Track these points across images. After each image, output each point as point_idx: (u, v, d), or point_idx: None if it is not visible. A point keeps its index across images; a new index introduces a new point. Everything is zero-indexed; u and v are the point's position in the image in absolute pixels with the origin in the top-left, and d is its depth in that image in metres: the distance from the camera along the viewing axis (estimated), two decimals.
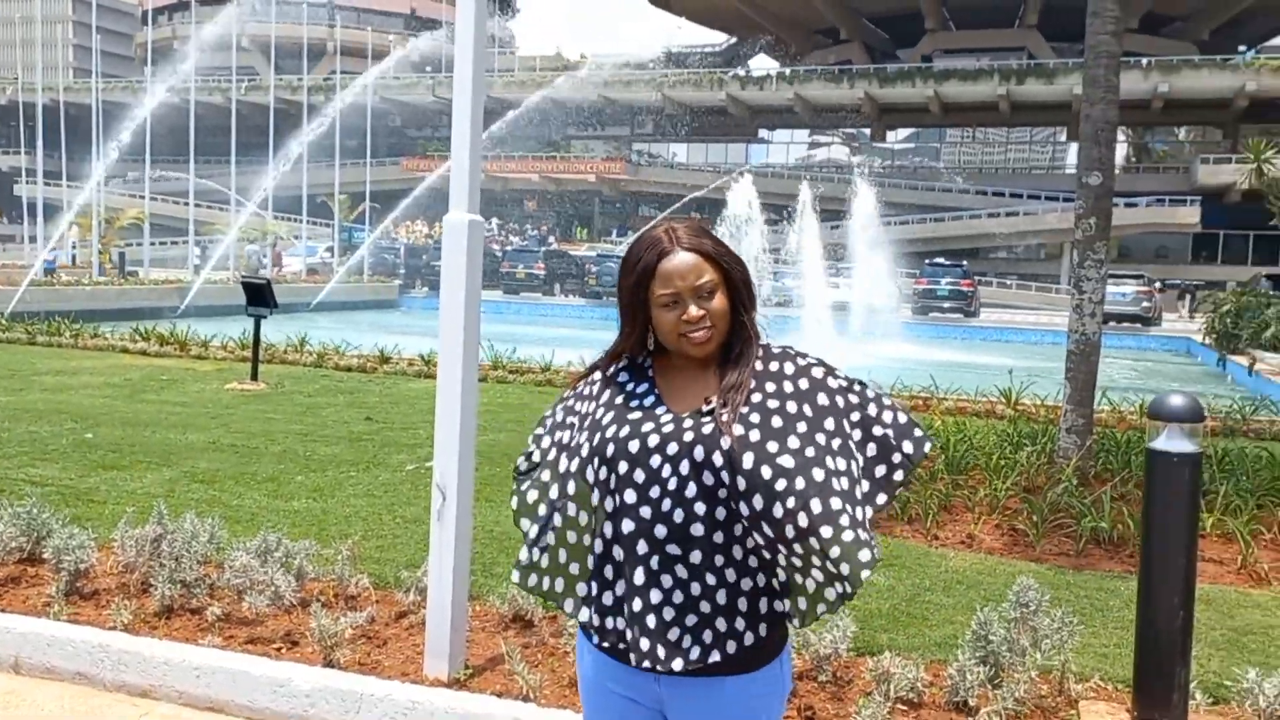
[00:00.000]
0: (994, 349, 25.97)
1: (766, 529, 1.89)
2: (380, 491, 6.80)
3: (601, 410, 2.05)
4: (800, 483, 1.89)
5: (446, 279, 3.90)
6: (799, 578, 1.94)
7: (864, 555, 1.89)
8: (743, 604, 1.92)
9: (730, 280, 2.02)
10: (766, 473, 1.88)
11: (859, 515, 1.92)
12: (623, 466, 1.96)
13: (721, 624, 1.92)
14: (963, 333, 31.76)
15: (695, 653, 1.91)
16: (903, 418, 2.03)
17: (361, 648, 4.07)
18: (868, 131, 68.87)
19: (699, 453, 1.92)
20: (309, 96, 46.21)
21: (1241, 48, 61.72)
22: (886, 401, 2.04)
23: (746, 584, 1.93)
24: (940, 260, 40.76)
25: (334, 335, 16.45)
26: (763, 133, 71.03)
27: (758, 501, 1.88)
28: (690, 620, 1.91)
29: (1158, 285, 44.33)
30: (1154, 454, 3.53)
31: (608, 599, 2.00)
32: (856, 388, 2.04)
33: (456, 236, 3.88)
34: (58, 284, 27.86)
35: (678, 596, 1.91)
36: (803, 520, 1.87)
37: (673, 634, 1.91)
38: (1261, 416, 10.93)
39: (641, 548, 1.94)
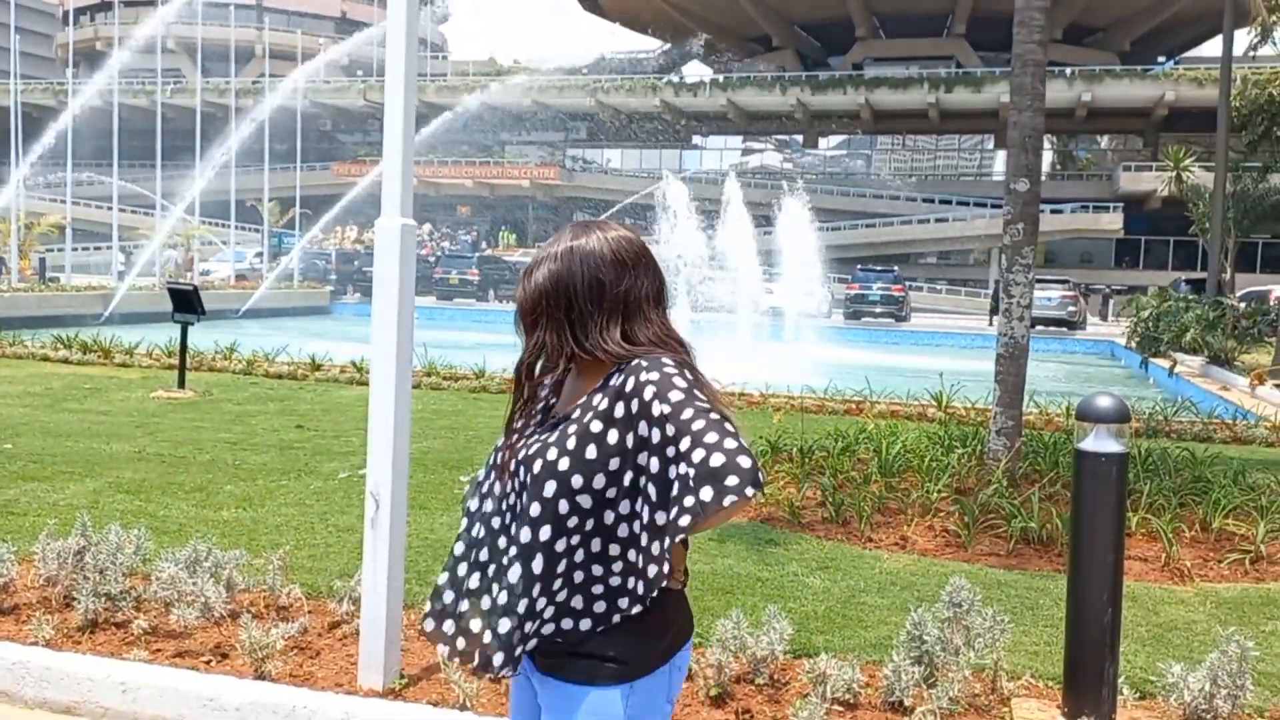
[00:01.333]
0: (925, 353, 26.34)
1: (542, 560, 1.89)
2: (312, 500, 6.69)
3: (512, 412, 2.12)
4: (590, 523, 1.90)
5: (379, 284, 3.86)
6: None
7: (630, 596, 1.91)
8: (567, 624, 1.92)
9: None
10: (564, 507, 1.89)
11: (636, 560, 1.90)
12: (492, 475, 2.03)
13: (537, 641, 1.94)
14: (894, 337, 32.14)
15: (507, 671, 1.92)
16: (717, 459, 1.76)
17: (294, 659, 4.00)
18: (800, 138, 69.58)
19: (522, 473, 1.96)
20: (237, 100, 45.41)
21: (1161, 58, 63.50)
22: (710, 437, 1.79)
23: (576, 603, 1.92)
24: (872, 266, 41.32)
25: (264, 342, 16.18)
26: (696, 139, 71.37)
27: (544, 532, 1.89)
28: (503, 627, 1.92)
29: (1108, 289, 45.64)
30: (1082, 454, 3.60)
31: (448, 596, 2.04)
32: (685, 414, 1.82)
33: (389, 241, 3.84)
34: None
35: (502, 599, 1.93)
36: (579, 557, 1.90)
37: (485, 636, 1.94)
38: (1182, 418, 11.23)
39: (483, 555, 2.00)
